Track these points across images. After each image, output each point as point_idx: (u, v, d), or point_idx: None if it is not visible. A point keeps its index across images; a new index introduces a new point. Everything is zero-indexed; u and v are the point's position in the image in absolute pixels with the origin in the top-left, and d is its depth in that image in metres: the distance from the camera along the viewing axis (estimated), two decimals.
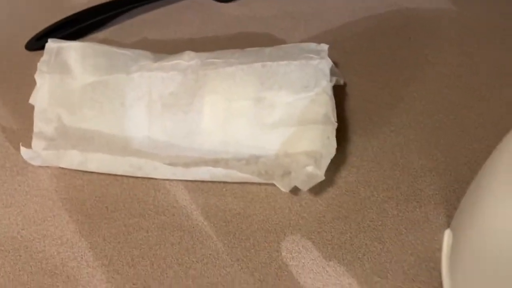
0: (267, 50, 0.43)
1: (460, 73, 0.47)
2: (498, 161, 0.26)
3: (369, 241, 0.36)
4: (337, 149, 0.42)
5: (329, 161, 0.36)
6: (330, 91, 0.38)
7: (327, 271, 0.35)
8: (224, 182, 0.40)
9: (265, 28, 0.54)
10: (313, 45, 0.43)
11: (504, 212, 0.24)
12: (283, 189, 0.37)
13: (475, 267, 0.28)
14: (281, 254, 0.36)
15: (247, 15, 0.56)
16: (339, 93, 0.46)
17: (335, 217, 0.38)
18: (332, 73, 0.41)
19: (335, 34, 0.53)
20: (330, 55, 0.43)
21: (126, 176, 0.41)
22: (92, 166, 0.40)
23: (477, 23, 0.53)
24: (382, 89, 0.46)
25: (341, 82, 0.45)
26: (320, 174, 0.36)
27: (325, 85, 0.38)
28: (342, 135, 0.43)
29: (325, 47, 0.42)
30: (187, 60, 0.42)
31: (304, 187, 0.36)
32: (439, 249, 0.35)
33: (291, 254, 0.36)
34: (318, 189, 0.39)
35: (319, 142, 0.37)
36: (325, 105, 0.38)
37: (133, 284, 0.35)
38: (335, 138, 0.37)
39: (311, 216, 0.38)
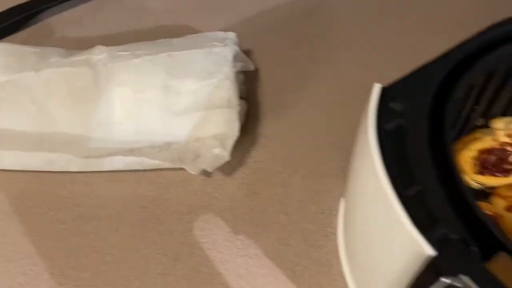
0: (175, 40, 0.44)
1: (364, 55, 0.50)
2: (359, 132, 0.29)
3: (276, 214, 0.39)
4: (249, 131, 0.44)
5: (233, 142, 0.39)
6: (232, 77, 0.40)
7: (236, 245, 0.37)
8: (141, 170, 0.41)
9: (184, 20, 0.56)
10: (220, 34, 0.45)
11: (360, 180, 0.27)
12: (192, 172, 0.39)
13: (352, 226, 0.31)
14: (193, 233, 0.38)
15: (166, 8, 0.58)
16: (252, 78, 0.48)
17: (245, 195, 0.40)
18: (238, 59, 0.43)
19: (251, 22, 0.55)
20: (244, 43, 0.45)
21: (44, 172, 0.42)
22: (5, 164, 0.40)
23: (381, 7, 0.56)
24: (294, 73, 0.49)
25: (251, 67, 0.47)
26: (225, 155, 0.38)
27: (228, 71, 0.40)
28: (254, 117, 0.45)
29: (231, 35, 0.44)
30: (97, 54, 0.43)
31: (211, 168, 0.38)
32: (336, 215, 0.38)
33: (203, 232, 0.38)
34: (230, 170, 0.42)
35: (224, 125, 0.39)
36: (228, 90, 0.40)
37: (50, 274, 0.36)
38: (237, 121, 0.39)
39: (223, 195, 0.40)
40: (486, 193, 0.36)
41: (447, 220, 0.21)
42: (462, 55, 0.29)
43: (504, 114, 0.37)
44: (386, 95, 0.27)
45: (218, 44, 0.42)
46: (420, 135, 0.25)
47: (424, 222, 0.21)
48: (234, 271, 0.36)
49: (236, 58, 0.42)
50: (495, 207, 0.34)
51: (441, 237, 0.21)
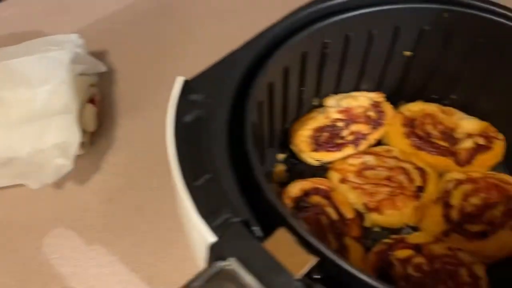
0: (11, 48, 0.41)
1: (219, 49, 0.51)
2: None
3: (131, 217, 0.38)
4: (104, 135, 0.43)
5: (75, 149, 0.37)
6: (69, 81, 0.38)
7: (88, 256, 0.36)
8: None
9: (36, 25, 0.52)
10: (60, 37, 0.42)
11: None
12: (33, 187, 0.36)
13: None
14: (42, 250, 0.36)
15: (17, 13, 0.53)
16: (107, 78, 0.47)
17: (100, 202, 0.39)
18: (80, 62, 0.41)
19: (106, 22, 0.52)
20: (100, 43, 0.42)
21: None
22: None
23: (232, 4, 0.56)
24: (150, 70, 0.48)
25: (101, 68, 0.45)
26: (68, 164, 0.36)
27: (64, 75, 0.38)
28: (109, 120, 0.44)
29: (73, 37, 0.42)
30: None
31: (53, 180, 0.36)
32: None
33: (52, 248, 0.36)
34: (84, 178, 0.40)
35: (64, 132, 0.37)
36: (65, 95, 0.38)
37: None
38: (78, 126, 0.37)
39: (75, 206, 0.38)
40: (326, 169, 0.38)
41: (231, 205, 0.22)
42: (271, 39, 0.30)
43: (336, 92, 0.39)
44: (188, 87, 0.27)
45: (54, 48, 0.40)
46: (218, 124, 0.25)
47: (210, 210, 0.22)
48: (85, 283, 0.34)
49: (77, 61, 0.40)
50: (331, 181, 0.36)
51: (223, 222, 0.21)
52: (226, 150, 0.24)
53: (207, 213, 0.21)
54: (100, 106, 0.44)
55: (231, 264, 0.19)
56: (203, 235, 0.21)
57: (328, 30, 0.31)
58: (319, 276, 0.22)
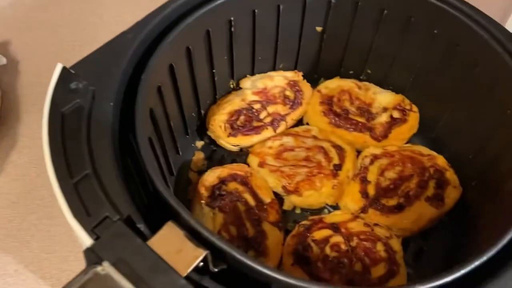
0: None
1: None
2: None
3: (39, 221, 0.35)
4: (6, 133, 0.39)
5: None
6: None
7: None
8: None
9: None
10: None
11: None
12: None
13: None
14: None
15: None
16: (9, 72, 0.42)
17: (4, 206, 0.35)
18: None
19: (7, 10, 0.47)
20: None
21: None
22: None
23: None
24: (56, 59, 0.43)
25: (2, 61, 0.41)
26: None
27: None
28: (13, 116, 0.40)
29: None
30: None
31: None
32: None
33: None
34: None
35: None
36: None
37: None
38: None
39: None
40: (248, 154, 0.36)
41: (111, 202, 0.20)
42: (168, 18, 0.28)
43: (252, 72, 0.37)
44: (69, 74, 0.24)
45: None
46: (100, 113, 0.23)
47: (87, 209, 0.19)
48: None
49: None
50: (251, 166, 0.34)
51: (101, 222, 0.19)
52: (110, 142, 0.22)
53: (83, 213, 0.19)
54: (0, 102, 0.40)
55: (105, 268, 0.17)
56: (80, 238, 0.19)
57: (230, 6, 0.29)
58: (216, 269, 0.20)
